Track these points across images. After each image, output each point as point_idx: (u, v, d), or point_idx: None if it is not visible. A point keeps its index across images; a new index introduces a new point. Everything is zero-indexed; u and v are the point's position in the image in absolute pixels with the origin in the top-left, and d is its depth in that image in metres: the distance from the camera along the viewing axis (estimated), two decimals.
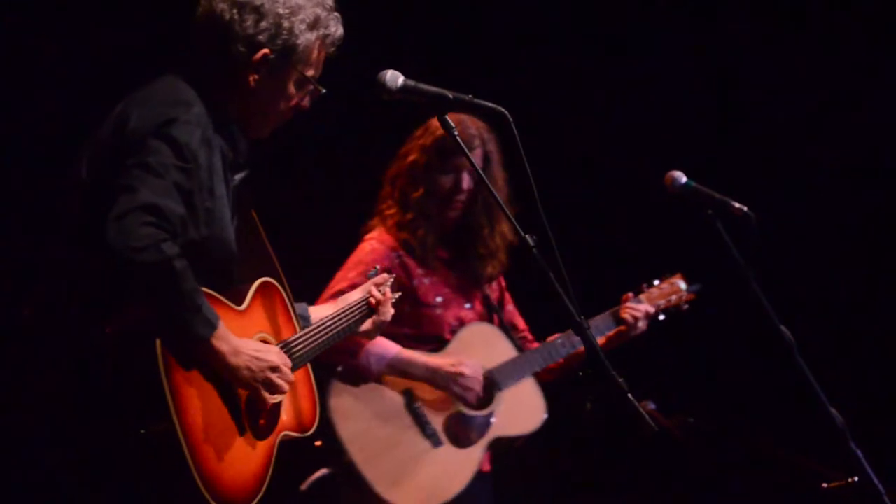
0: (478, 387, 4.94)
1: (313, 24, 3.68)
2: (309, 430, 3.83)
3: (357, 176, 5.65)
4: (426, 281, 5.04)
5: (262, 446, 3.63)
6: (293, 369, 3.69)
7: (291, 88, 3.69)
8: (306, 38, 3.66)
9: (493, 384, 4.99)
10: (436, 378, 4.91)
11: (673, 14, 6.67)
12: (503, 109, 3.61)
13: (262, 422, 3.63)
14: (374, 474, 4.83)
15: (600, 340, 4.99)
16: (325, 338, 3.94)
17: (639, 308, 5.06)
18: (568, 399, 5.11)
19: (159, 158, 3.39)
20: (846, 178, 6.62)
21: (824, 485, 4.67)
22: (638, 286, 5.17)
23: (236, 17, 3.61)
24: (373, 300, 4.11)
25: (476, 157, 4.85)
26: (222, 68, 3.64)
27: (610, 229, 6.69)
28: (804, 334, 4.40)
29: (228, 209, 3.61)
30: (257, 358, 3.54)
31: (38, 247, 3.65)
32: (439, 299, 5.04)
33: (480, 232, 5.04)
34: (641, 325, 5.06)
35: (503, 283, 5.24)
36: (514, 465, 5.21)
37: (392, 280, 4.20)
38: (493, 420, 4.98)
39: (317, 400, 3.88)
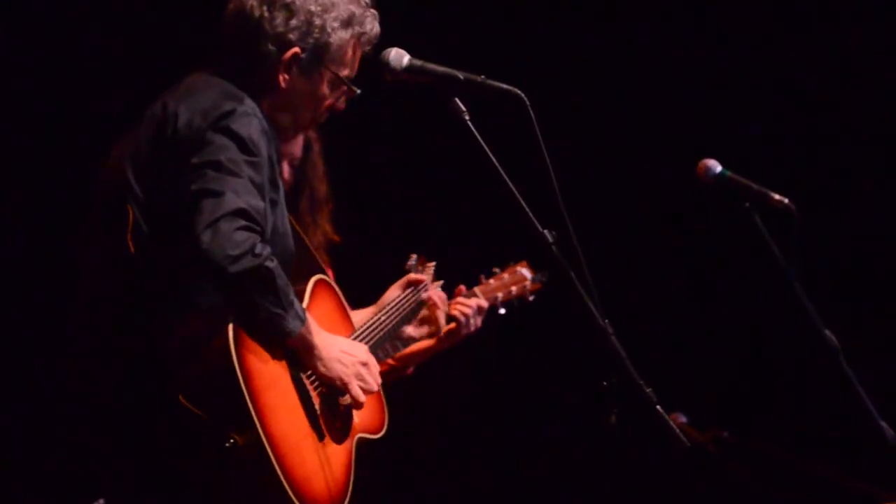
0: None
1: (347, 22, 3.72)
2: (380, 431, 3.97)
3: (358, 162, 5.63)
4: None
5: (342, 450, 3.77)
6: None
7: (324, 89, 3.75)
8: (339, 36, 3.71)
9: None
10: None
11: None
12: (519, 91, 3.59)
13: (338, 425, 3.76)
14: None
15: (430, 340, 4.73)
16: (381, 334, 4.18)
17: (469, 303, 4.77)
18: (590, 412, 5.04)
19: (229, 155, 3.49)
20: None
21: None
22: (477, 277, 4.92)
23: (266, 14, 3.68)
24: (425, 295, 4.41)
25: (298, 144, 4.75)
26: (252, 67, 3.70)
27: (635, 223, 6.64)
28: (851, 340, 4.32)
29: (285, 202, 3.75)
30: (347, 352, 3.71)
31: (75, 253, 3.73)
32: None
33: (305, 229, 4.87)
34: (474, 321, 4.75)
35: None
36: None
37: (433, 267, 4.41)
38: None
39: (384, 401, 4.01)
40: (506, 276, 4.91)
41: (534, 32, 6.54)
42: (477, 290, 4.83)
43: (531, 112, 3.55)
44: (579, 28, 6.56)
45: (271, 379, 3.57)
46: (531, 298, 4.91)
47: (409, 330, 4.45)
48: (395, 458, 5.45)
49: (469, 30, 6.35)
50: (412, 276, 4.46)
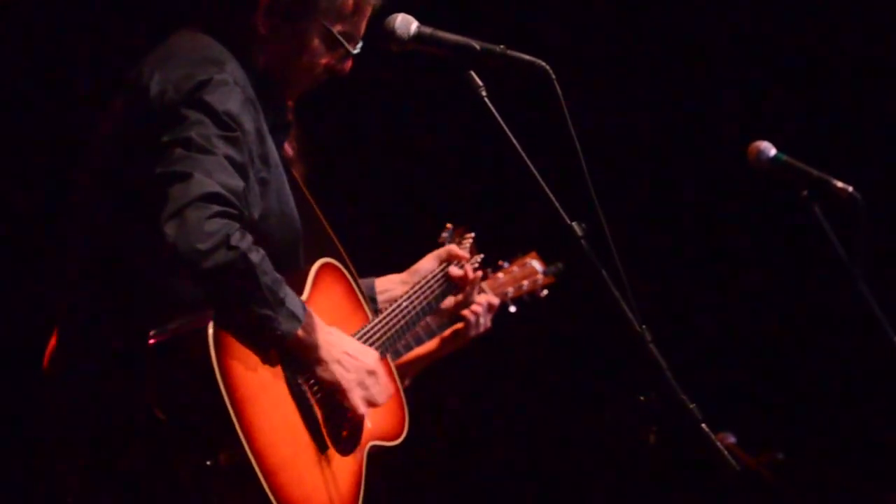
0: None
1: None
2: (399, 436, 3.94)
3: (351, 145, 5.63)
4: None
5: (349, 462, 3.74)
6: None
7: (317, 44, 3.72)
8: None
9: None
10: None
11: None
12: (544, 64, 3.54)
13: (344, 434, 3.72)
14: None
15: (433, 343, 4.74)
16: (403, 322, 4.11)
17: (480, 300, 4.71)
18: (626, 430, 5.04)
19: (201, 130, 3.45)
20: None
21: None
22: (482, 271, 4.85)
23: None
24: (454, 271, 4.36)
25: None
26: (234, 13, 3.70)
27: (677, 214, 6.61)
28: None
29: (285, 178, 3.70)
30: (352, 355, 3.66)
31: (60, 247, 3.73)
32: None
33: None
34: (484, 321, 4.71)
35: None
36: None
37: (472, 239, 4.39)
38: None
39: (403, 401, 3.97)
40: (515, 269, 4.87)
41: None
42: (485, 285, 4.76)
43: (558, 87, 3.49)
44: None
45: (260, 385, 3.50)
46: (543, 294, 4.87)
47: (447, 303, 4.43)
48: (414, 472, 5.46)
49: None
50: (453, 249, 4.41)
